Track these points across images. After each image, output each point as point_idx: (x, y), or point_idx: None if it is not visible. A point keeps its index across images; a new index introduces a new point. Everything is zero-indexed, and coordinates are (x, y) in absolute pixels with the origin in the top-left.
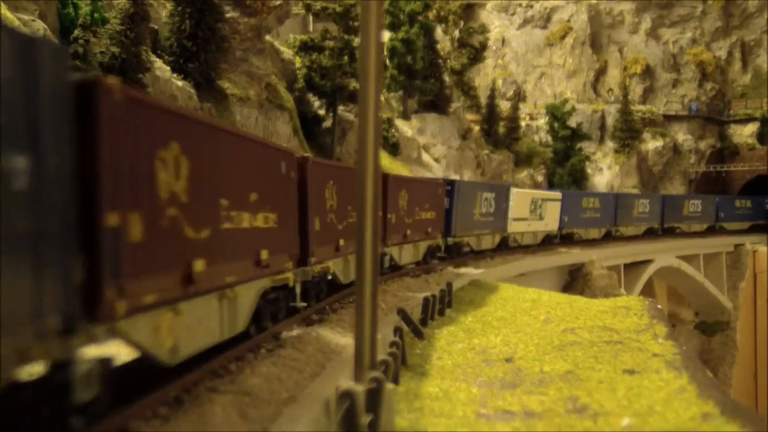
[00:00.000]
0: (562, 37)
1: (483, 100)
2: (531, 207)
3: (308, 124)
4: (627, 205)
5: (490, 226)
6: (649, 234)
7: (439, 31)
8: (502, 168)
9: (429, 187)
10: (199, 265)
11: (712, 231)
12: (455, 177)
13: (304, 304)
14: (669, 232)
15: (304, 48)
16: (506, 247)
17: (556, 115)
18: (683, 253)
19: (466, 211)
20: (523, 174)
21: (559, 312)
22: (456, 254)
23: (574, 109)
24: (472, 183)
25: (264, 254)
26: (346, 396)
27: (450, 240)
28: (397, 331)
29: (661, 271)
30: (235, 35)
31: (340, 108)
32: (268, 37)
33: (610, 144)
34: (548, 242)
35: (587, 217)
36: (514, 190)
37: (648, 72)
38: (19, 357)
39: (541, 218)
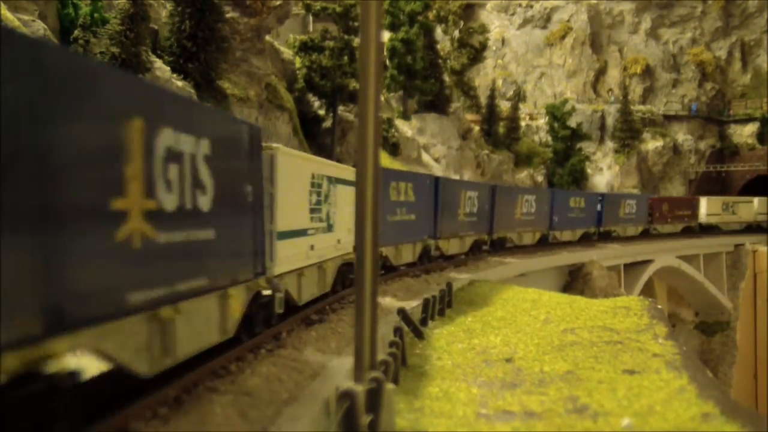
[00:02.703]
0: (562, 37)
1: (483, 100)
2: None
3: (308, 124)
4: (564, 206)
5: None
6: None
7: (439, 31)
8: (502, 168)
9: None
10: None
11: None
12: (455, 177)
13: None
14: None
15: (304, 48)
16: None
17: (556, 115)
18: (683, 253)
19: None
20: (523, 174)
21: (559, 312)
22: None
23: (574, 109)
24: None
25: None
26: (346, 396)
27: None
28: (397, 331)
29: (661, 271)
30: (235, 35)
31: (340, 108)
32: (268, 37)
33: (610, 144)
34: (476, 249)
35: (522, 219)
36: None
37: (648, 72)
38: None
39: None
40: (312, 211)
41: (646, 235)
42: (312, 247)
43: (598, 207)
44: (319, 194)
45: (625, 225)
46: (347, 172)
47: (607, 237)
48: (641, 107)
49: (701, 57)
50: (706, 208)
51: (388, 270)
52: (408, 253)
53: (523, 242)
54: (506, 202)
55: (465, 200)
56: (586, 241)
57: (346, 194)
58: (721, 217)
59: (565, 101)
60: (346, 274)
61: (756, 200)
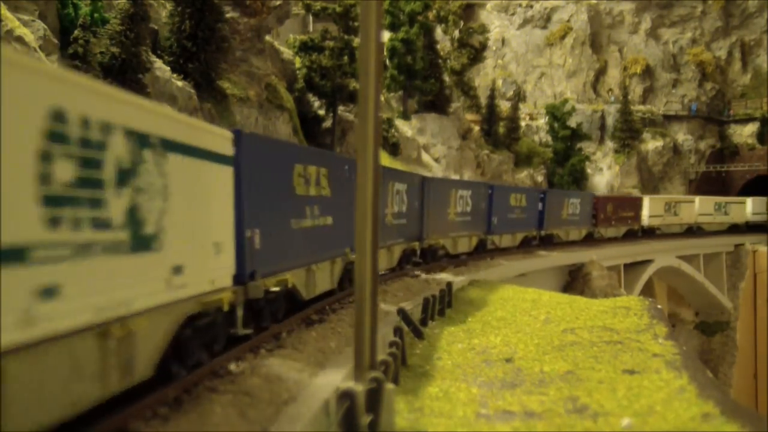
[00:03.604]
0: (562, 37)
1: (483, 100)
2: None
3: (308, 124)
4: (504, 205)
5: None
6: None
7: (439, 31)
8: (502, 168)
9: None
10: None
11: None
12: (455, 177)
13: None
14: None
15: (304, 48)
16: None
17: (556, 115)
18: (683, 253)
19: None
20: (523, 174)
21: (559, 312)
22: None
23: (574, 109)
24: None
25: None
26: (346, 396)
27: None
28: (397, 331)
29: (661, 271)
30: (235, 35)
31: (340, 108)
32: (268, 37)
33: (610, 144)
34: (405, 262)
35: (457, 221)
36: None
37: (648, 72)
38: None
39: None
40: (52, 203)
41: (590, 239)
42: (48, 294)
43: (540, 206)
44: (87, 164)
45: (568, 228)
46: (193, 128)
47: (548, 242)
48: (641, 107)
49: (701, 57)
50: (649, 209)
51: (293, 309)
52: (325, 278)
53: (457, 250)
54: (438, 200)
55: (393, 196)
56: (525, 247)
57: (201, 175)
58: (663, 219)
59: (565, 101)
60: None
61: (698, 199)
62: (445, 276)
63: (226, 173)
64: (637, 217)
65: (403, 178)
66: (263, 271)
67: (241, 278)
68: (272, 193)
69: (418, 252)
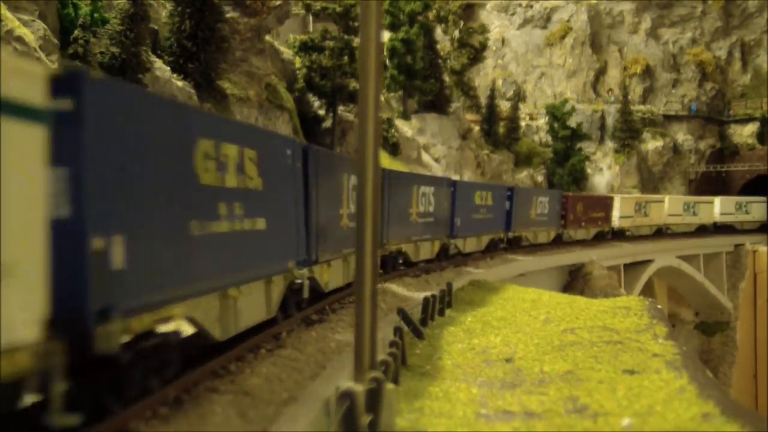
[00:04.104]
0: (562, 37)
1: (483, 100)
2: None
3: (308, 124)
4: (468, 204)
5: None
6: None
7: (439, 31)
8: (502, 168)
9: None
10: None
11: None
12: (455, 177)
13: None
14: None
15: (304, 48)
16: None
17: (556, 115)
18: (683, 253)
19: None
20: (523, 174)
21: (559, 312)
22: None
23: (574, 109)
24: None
25: None
26: (346, 396)
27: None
28: (397, 331)
29: (661, 271)
30: (235, 35)
31: (340, 108)
32: (268, 37)
33: (610, 144)
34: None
35: (416, 223)
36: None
37: (648, 72)
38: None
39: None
40: None
41: (558, 242)
42: None
43: (507, 205)
44: None
45: (536, 229)
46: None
47: (516, 245)
48: (641, 107)
49: (701, 57)
50: (620, 209)
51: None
52: (254, 306)
53: (419, 257)
54: (399, 198)
55: (349, 193)
56: (491, 251)
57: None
58: (633, 220)
59: (565, 101)
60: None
61: (667, 199)
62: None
63: (32, 137)
64: (608, 217)
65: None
66: (130, 304)
67: (69, 323)
68: (152, 179)
69: (378, 261)
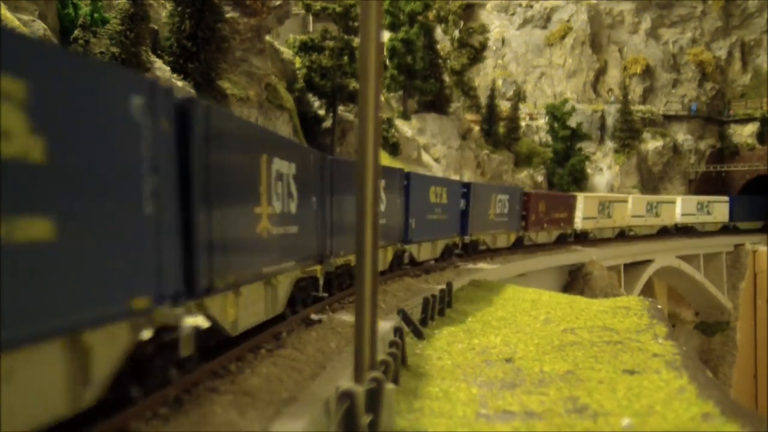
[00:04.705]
0: (562, 37)
1: (483, 100)
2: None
3: (308, 124)
4: (423, 202)
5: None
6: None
7: (439, 31)
8: (502, 168)
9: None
10: None
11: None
12: (455, 177)
13: None
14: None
15: (304, 48)
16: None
17: (556, 115)
18: (683, 253)
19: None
20: (523, 174)
21: (559, 312)
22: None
23: (574, 109)
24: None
25: None
26: (346, 396)
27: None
28: (397, 331)
29: (661, 271)
30: (235, 35)
31: (340, 108)
32: (268, 37)
33: (610, 144)
34: (306, 297)
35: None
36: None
37: (648, 72)
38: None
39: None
40: None
41: (519, 246)
42: None
43: (462, 204)
44: None
45: (495, 232)
46: None
47: (473, 251)
48: (641, 107)
49: (701, 57)
50: (583, 210)
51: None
52: None
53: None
54: (347, 195)
55: (274, 184)
56: (446, 259)
57: None
58: (596, 222)
59: (565, 101)
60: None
61: (630, 199)
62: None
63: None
64: (570, 218)
65: (292, 155)
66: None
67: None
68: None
69: (321, 282)
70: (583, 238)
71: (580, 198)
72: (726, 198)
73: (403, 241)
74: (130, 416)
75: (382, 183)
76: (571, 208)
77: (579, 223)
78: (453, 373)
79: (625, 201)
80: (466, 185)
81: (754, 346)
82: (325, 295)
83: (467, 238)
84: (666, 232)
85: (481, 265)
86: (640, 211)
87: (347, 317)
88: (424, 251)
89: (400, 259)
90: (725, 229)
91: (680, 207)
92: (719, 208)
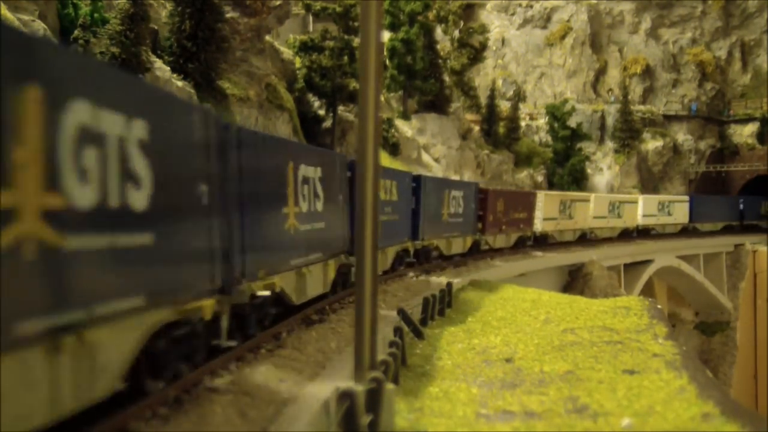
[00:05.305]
0: (562, 37)
1: (483, 100)
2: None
3: (308, 124)
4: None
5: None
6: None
7: (439, 31)
8: (502, 168)
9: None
10: None
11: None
12: (455, 177)
13: None
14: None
15: (304, 48)
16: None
17: (556, 115)
18: (683, 253)
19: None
20: (523, 174)
21: (559, 312)
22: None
23: (574, 109)
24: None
25: None
26: (346, 396)
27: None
28: (397, 331)
29: (661, 271)
30: (235, 35)
31: (340, 108)
32: (268, 37)
33: (610, 144)
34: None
35: (296, 235)
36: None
37: (648, 72)
38: None
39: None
40: None
41: (476, 251)
42: None
43: (413, 202)
44: None
45: (449, 235)
46: None
47: (425, 259)
48: (641, 107)
49: (701, 57)
50: (543, 210)
51: None
52: None
53: (307, 295)
54: (267, 193)
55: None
56: (396, 269)
57: None
58: (557, 223)
59: (565, 101)
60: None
61: (593, 198)
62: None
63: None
64: (530, 219)
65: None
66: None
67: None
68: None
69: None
70: (542, 243)
71: (540, 196)
72: (686, 197)
73: (348, 252)
74: (130, 416)
75: (317, 172)
76: (530, 207)
77: (539, 225)
78: (453, 373)
79: (587, 200)
80: (417, 179)
81: (754, 346)
82: (233, 344)
83: (419, 243)
84: (627, 236)
85: (440, 279)
86: (603, 211)
87: (347, 317)
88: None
89: (346, 277)
90: (684, 231)
91: (642, 208)
92: (680, 209)
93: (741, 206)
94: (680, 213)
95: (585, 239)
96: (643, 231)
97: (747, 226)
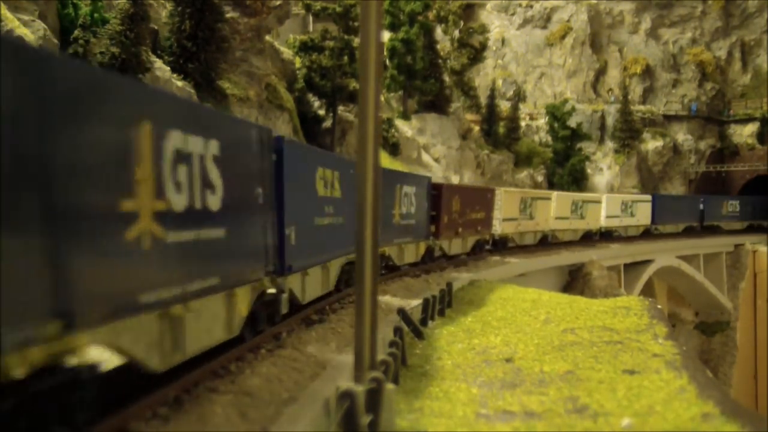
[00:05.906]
0: (562, 37)
1: (483, 100)
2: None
3: (308, 124)
4: (307, 197)
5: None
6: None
7: (439, 31)
8: (502, 168)
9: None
10: None
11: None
12: (455, 177)
13: None
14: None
15: (304, 48)
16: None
17: (556, 115)
18: (683, 253)
19: None
20: (523, 174)
21: (559, 312)
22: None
23: (574, 109)
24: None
25: None
26: (346, 396)
27: None
28: (397, 331)
29: (661, 271)
30: (235, 35)
31: (340, 108)
32: (268, 37)
33: (610, 144)
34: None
35: (190, 249)
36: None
37: (648, 72)
38: None
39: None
40: None
41: (430, 259)
42: None
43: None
44: None
45: (401, 241)
46: None
47: (389, 271)
48: (641, 107)
49: (701, 57)
50: (503, 209)
51: None
52: None
53: (202, 342)
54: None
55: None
56: (342, 290)
57: None
58: (517, 224)
59: (565, 101)
60: None
61: (555, 196)
62: None
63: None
64: (488, 220)
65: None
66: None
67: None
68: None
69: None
70: (502, 247)
71: (500, 193)
72: (649, 197)
73: (277, 271)
74: (130, 416)
75: (224, 153)
76: (489, 206)
77: (498, 227)
78: (453, 373)
79: (548, 198)
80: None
81: (754, 346)
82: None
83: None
84: (589, 239)
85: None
86: (565, 212)
87: (347, 317)
88: (312, 285)
89: (276, 308)
90: (647, 233)
91: (605, 208)
92: (643, 210)
93: (701, 206)
94: (643, 214)
95: (547, 242)
96: (606, 234)
97: (707, 227)
